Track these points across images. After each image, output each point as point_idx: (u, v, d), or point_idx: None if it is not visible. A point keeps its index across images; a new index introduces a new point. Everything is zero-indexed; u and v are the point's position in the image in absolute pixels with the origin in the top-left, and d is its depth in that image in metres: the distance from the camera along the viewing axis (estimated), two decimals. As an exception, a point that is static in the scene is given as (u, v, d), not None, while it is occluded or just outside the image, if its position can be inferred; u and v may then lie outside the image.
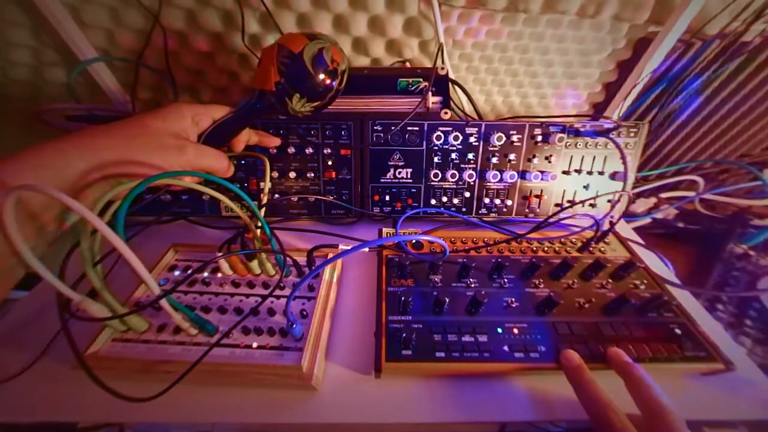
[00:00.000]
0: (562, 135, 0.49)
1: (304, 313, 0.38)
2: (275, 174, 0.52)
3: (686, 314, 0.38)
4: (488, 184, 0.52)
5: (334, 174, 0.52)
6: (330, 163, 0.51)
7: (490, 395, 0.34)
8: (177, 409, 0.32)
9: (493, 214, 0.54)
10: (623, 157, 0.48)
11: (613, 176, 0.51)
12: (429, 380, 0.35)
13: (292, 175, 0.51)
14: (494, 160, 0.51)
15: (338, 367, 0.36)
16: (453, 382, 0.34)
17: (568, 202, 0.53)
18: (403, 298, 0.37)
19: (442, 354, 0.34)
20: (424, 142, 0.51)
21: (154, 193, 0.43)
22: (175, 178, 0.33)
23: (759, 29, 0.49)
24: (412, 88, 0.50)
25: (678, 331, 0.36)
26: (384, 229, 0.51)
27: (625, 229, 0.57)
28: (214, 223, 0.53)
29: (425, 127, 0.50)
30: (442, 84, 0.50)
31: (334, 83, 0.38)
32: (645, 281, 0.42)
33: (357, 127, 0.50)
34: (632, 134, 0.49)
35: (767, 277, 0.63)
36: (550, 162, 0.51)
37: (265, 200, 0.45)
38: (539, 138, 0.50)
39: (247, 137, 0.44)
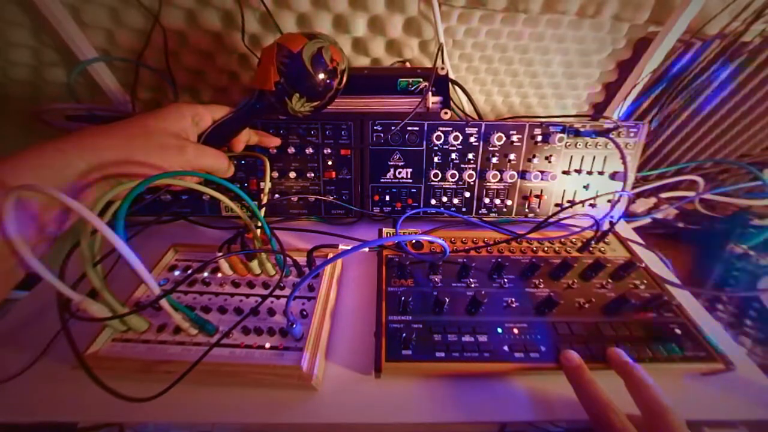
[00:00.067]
0: (562, 135, 0.49)
1: (304, 313, 0.38)
2: (275, 174, 0.52)
3: (686, 314, 0.38)
4: (488, 184, 0.52)
5: (334, 174, 0.52)
6: (330, 163, 0.51)
7: (490, 395, 0.34)
8: (177, 409, 0.32)
9: (493, 214, 0.54)
10: (623, 157, 0.48)
11: (613, 176, 0.51)
12: (429, 380, 0.35)
13: (292, 175, 0.51)
14: (494, 160, 0.51)
15: (338, 367, 0.36)
16: (453, 382, 0.34)
17: (568, 202, 0.53)
18: (403, 298, 0.37)
19: (442, 354, 0.34)
20: (424, 142, 0.51)
21: (154, 193, 0.43)
22: (175, 178, 0.33)
23: (759, 29, 0.49)
24: (412, 88, 0.50)
25: (678, 331, 0.36)
26: (384, 229, 0.51)
27: (625, 229, 0.57)
28: (214, 223, 0.53)
29: (425, 127, 0.50)
30: (442, 84, 0.50)
31: (333, 83, 0.38)
32: (645, 281, 0.42)
33: (357, 127, 0.50)
34: (632, 134, 0.49)
35: (767, 277, 0.63)
36: (550, 162, 0.51)
37: (265, 200, 0.45)
38: (539, 138, 0.50)
39: (247, 137, 0.44)
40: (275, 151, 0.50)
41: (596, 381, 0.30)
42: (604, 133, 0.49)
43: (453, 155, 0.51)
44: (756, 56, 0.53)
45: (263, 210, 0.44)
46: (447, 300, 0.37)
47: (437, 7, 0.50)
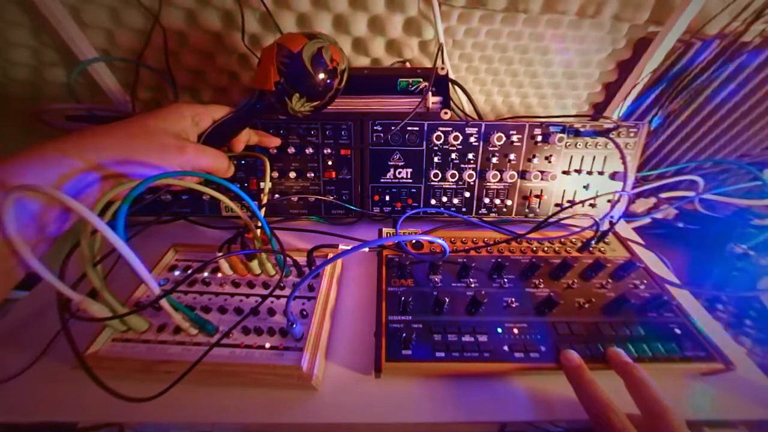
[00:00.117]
0: (562, 135, 0.49)
1: (304, 313, 0.38)
2: (275, 174, 0.52)
3: (686, 314, 0.38)
4: (488, 184, 0.52)
5: (334, 174, 0.52)
6: (330, 163, 0.51)
7: (490, 395, 0.34)
8: (177, 409, 0.32)
9: (493, 214, 0.54)
10: (623, 157, 0.48)
11: (613, 176, 0.51)
12: (429, 380, 0.35)
13: (292, 175, 0.51)
14: (494, 160, 0.51)
15: (338, 367, 0.36)
16: (453, 382, 0.34)
17: (568, 202, 0.53)
18: (403, 298, 0.37)
19: (442, 354, 0.34)
20: (424, 142, 0.51)
21: (154, 193, 0.43)
22: (176, 178, 0.33)
23: (759, 29, 0.49)
24: (412, 88, 0.50)
25: (678, 331, 0.36)
26: (384, 229, 0.51)
27: (625, 229, 0.57)
28: (214, 223, 0.53)
29: (425, 127, 0.50)
30: (442, 84, 0.50)
31: (333, 83, 0.38)
32: (645, 281, 0.42)
33: (357, 127, 0.50)
34: (632, 134, 0.49)
35: (767, 277, 0.63)
36: (550, 162, 0.51)
37: (265, 200, 0.45)
38: (539, 138, 0.50)
39: (247, 137, 0.44)
40: (275, 151, 0.50)
41: (596, 381, 0.30)
42: (604, 133, 0.49)
43: (453, 155, 0.51)
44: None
45: (263, 210, 0.44)
46: (447, 300, 0.37)
47: (437, 7, 0.50)
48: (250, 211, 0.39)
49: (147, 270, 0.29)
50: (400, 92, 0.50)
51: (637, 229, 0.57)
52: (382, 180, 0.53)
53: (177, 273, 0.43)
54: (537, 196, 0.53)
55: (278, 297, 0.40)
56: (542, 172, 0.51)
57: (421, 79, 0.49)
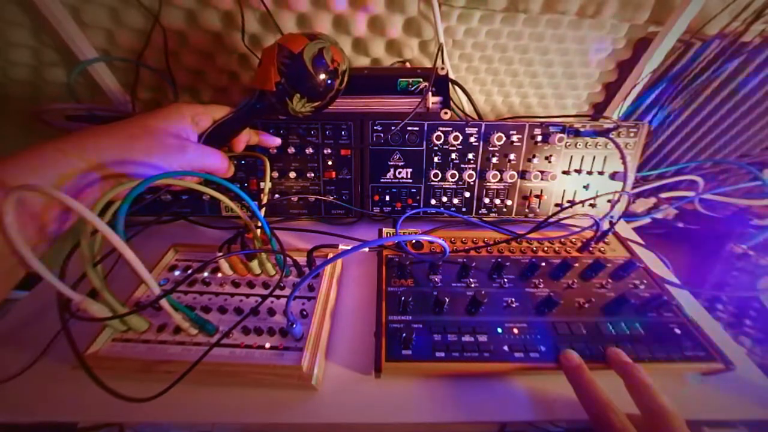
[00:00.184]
0: (562, 135, 0.49)
1: (304, 313, 0.38)
2: (275, 174, 0.52)
3: (686, 314, 0.38)
4: (488, 184, 0.52)
5: (334, 174, 0.52)
6: (330, 163, 0.51)
7: (490, 395, 0.34)
8: (177, 409, 0.32)
9: (493, 214, 0.54)
10: (623, 157, 0.48)
11: (613, 176, 0.51)
12: (429, 380, 0.35)
13: (292, 175, 0.51)
14: (494, 160, 0.51)
15: (338, 367, 0.36)
16: (453, 382, 0.34)
17: (568, 202, 0.53)
18: (403, 298, 0.37)
19: (442, 354, 0.34)
20: (424, 142, 0.51)
21: (154, 193, 0.43)
22: (176, 179, 0.33)
23: (759, 29, 0.49)
24: (412, 88, 0.50)
25: (678, 331, 0.36)
26: (384, 229, 0.51)
27: (624, 229, 0.58)
28: (214, 223, 0.53)
29: (425, 127, 0.50)
30: (442, 84, 0.50)
31: (334, 83, 0.38)
32: (645, 281, 0.42)
33: (357, 127, 0.50)
34: (632, 134, 0.49)
35: (767, 277, 0.63)
36: (550, 162, 0.51)
37: (265, 200, 0.45)
38: (539, 138, 0.50)
39: (247, 137, 0.44)
40: (275, 151, 0.50)
41: (596, 381, 0.30)
42: (604, 133, 0.49)
43: (453, 155, 0.51)
44: (756, 56, 0.53)
45: (263, 210, 0.44)
46: (447, 300, 0.37)
47: (437, 7, 0.50)
48: (250, 211, 0.39)
49: (147, 270, 0.29)
50: (400, 92, 0.50)
51: (637, 229, 0.57)
52: (382, 180, 0.53)
53: (177, 273, 0.43)
54: (537, 196, 0.53)
55: (278, 297, 0.40)
56: (542, 172, 0.51)
57: (421, 79, 0.49)
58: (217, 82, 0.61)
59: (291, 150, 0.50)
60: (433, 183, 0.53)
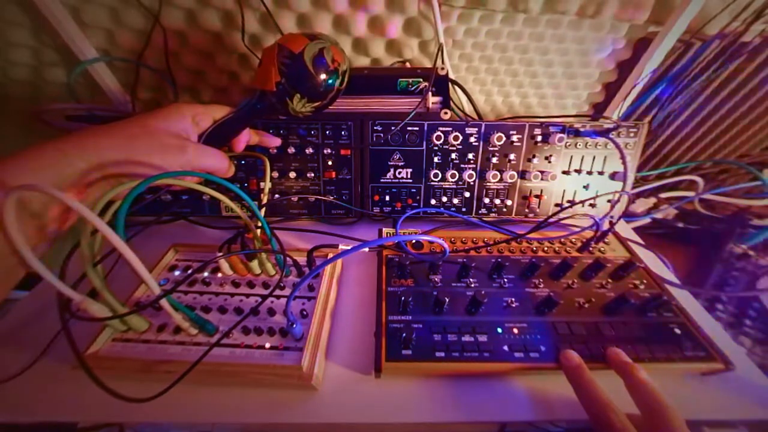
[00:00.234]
0: (562, 135, 0.49)
1: (304, 313, 0.38)
2: (275, 174, 0.52)
3: (686, 314, 0.38)
4: (488, 184, 0.52)
5: (334, 174, 0.52)
6: (330, 163, 0.51)
7: (490, 395, 0.34)
8: (177, 409, 0.32)
9: (493, 214, 0.54)
10: (623, 157, 0.48)
11: (613, 176, 0.51)
12: (429, 380, 0.35)
13: (292, 175, 0.51)
14: (494, 160, 0.51)
15: (338, 367, 0.36)
16: (453, 382, 0.34)
17: (568, 202, 0.53)
18: (403, 298, 0.37)
19: (442, 354, 0.34)
20: (424, 142, 0.51)
21: (154, 193, 0.43)
22: (176, 178, 0.33)
23: (759, 29, 0.49)
24: (412, 88, 0.50)
25: (678, 331, 0.36)
26: (384, 229, 0.51)
27: (624, 229, 0.57)
28: (214, 223, 0.53)
29: (425, 127, 0.50)
30: (442, 84, 0.50)
31: (335, 83, 0.38)
32: (645, 281, 0.42)
33: (357, 127, 0.50)
34: (632, 134, 0.49)
35: (767, 277, 0.63)
36: (549, 162, 0.51)
37: (265, 200, 0.45)
38: (539, 138, 0.50)
39: (247, 137, 0.44)
40: (275, 151, 0.50)
41: (596, 381, 0.30)
42: (604, 133, 0.49)
43: (453, 155, 0.51)
44: (756, 56, 0.53)
45: (263, 210, 0.44)
46: (447, 300, 0.37)
47: (437, 7, 0.50)
48: (250, 211, 0.39)
49: (147, 270, 0.29)
50: (400, 92, 0.50)
51: (637, 229, 0.57)
52: (382, 180, 0.53)
53: (177, 273, 0.43)
54: (537, 196, 0.53)
55: (278, 297, 0.40)
56: (542, 172, 0.51)
57: (421, 79, 0.49)
58: (217, 82, 0.61)
59: (291, 150, 0.50)
60: (433, 183, 0.53)
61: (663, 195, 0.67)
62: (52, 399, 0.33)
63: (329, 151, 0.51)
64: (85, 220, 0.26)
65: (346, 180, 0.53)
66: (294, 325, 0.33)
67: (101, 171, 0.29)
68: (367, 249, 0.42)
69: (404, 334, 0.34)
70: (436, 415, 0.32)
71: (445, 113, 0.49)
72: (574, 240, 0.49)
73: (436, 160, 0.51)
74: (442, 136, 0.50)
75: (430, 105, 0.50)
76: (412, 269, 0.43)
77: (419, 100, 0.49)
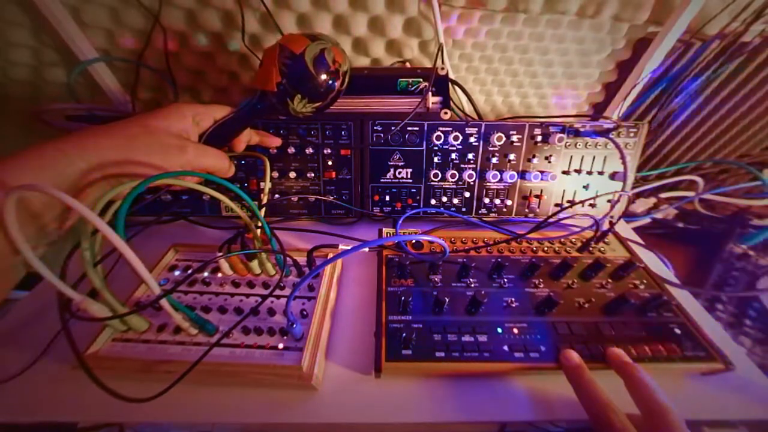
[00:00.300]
0: (561, 135, 0.49)
1: (304, 313, 0.38)
2: (275, 174, 0.52)
3: (686, 314, 0.38)
4: (488, 184, 0.52)
5: (334, 174, 0.52)
6: (330, 163, 0.51)
7: (490, 395, 0.34)
8: (177, 409, 0.32)
9: (493, 214, 0.54)
10: (623, 157, 0.48)
11: (613, 176, 0.51)
12: (429, 380, 0.35)
13: (292, 175, 0.51)
14: (494, 160, 0.51)
15: (338, 367, 0.36)
16: (453, 382, 0.34)
17: (568, 202, 0.53)
18: (403, 298, 0.37)
19: (442, 354, 0.34)
20: (424, 142, 0.51)
21: (154, 193, 0.43)
22: (176, 178, 0.33)
23: (758, 29, 0.49)
24: (412, 88, 0.50)
25: (678, 331, 0.36)
26: (384, 229, 0.51)
27: (624, 229, 0.57)
28: (214, 223, 0.53)
29: (425, 127, 0.50)
30: (442, 84, 0.50)
31: (335, 84, 0.38)
32: (645, 281, 0.42)
33: (357, 127, 0.50)
34: (632, 134, 0.49)
35: (767, 277, 0.63)
36: (549, 162, 0.51)
37: (265, 200, 0.45)
38: (539, 138, 0.50)
39: (248, 137, 0.44)
40: (275, 151, 0.50)
41: (596, 381, 0.30)
42: (604, 133, 0.49)
43: (453, 155, 0.51)
44: (756, 56, 0.53)
45: (263, 210, 0.44)
46: (447, 300, 0.37)
47: (437, 8, 0.50)
48: (250, 211, 0.39)
49: (147, 270, 0.29)
50: (400, 92, 0.50)
51: (637, 229, 0.57)
52: (382, 180, 0.53)
53: (177, 273, 0.43)
54: (537, 196, 0.53)
55: (278, 297, 0.40)
56: (542, 172, 0.51)
57: (421, 79, 0.49)
58: (218, 82, 0.61)
59: (291, 150, 0.50)
60: (433, 183, 0.53)
61: (663, 195, 0.67)
62: (52, 399, 0.33)
63: (329, 151, 0.51)
64: (86, 220, 0.26)
65: (346, 180, 0.53)
66: (294, 325, 0.33)
67: (101, 171, 0.29)
68: (367, 249, 0.42)
69: (404, 334, 0.34)
70: (436, 415, 0.32)
71: (445, 113, 0.49)
72: (574, 240, 0.49)
73: (436, 160, 0.51)
74: (442, 136, 0.50)
75: (430, 105, 0.50)
76: (412, 269, 0.43)
77: (419, 100, 0.49)
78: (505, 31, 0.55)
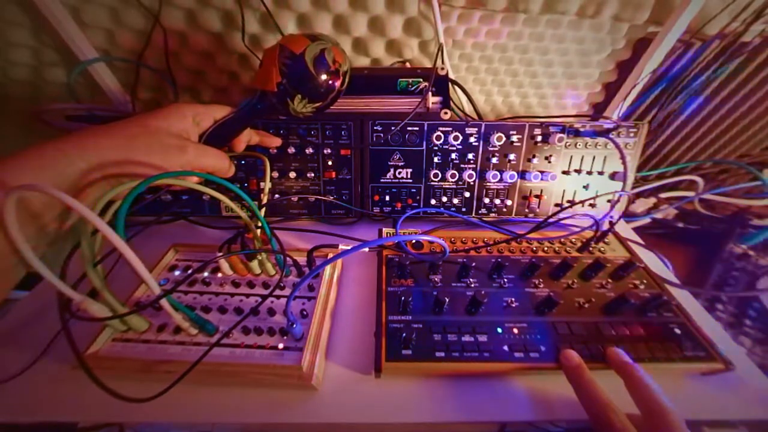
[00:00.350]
0: (561, 135, 0.49)
1: (304, 313, 0.38)
2: (275, 174, 0.52)
3: (686, 314, 0.38)
4: (488, 184, 0.52)
5: (334, 174, 0.52)
6: (330, 163, 0.51)
7: (490, 395, 0.34)
8: (177, 409, 0.32)
9: (493, 214, 0.54)
10: (623, 157, 0.48)
11: (613, 176, 0.51)
12: (429, 380, 0.35)
13: (293, 175, 0.51)
14: (494, 160, 0.51)
15: (338, 367, 0.36)
16: (453, 382, 0.34)
17: (568, 202, 0.53)
18: (403, 298, 0.37)
19: (442, 354, 0.34)
20: (424, 142, 0.51)
21: (154, 193, 0.43)
22: (176, 178, 0.33)
23: (758, 29, 0.49)
24: (412, 88, 0.50)
25: (678, 331, 0.36)
26: (384, 229, 0.51)
27: (624, 229, 0.57)
28: (214, 223, 0.53)
29: (425, 127, 0.50)
30: (442, 84, 0.50)
31: (335, 84, 0.38)
32: (645, 281, 0.42)
33: (357, 127, 0.50)
34: (632, 134, 0.49)
35: (767, 277, 0.63)
36: (549, 162, 0.51)
37: (265, 200, 0.45)
38: (539, 138, 0.50)
39: (248, 137, 0.44)
40: (275, 151, 0.50)
41: (596, 381, 0.30)
42: (604, 133, 0.49)
43: (453, 155, 0.51)
44: (756, 56, 0.53)
45: (263, 210, 0.44)
46: (447, 300, 0.37)
47: (437, 8, 0.50)
48: (250, 211, 0.39)
49: (147, 270, 0.29)
50: (400, 92, 0.50)
51: (636, 229, 0.57)
52: (382, 180, 0.53)
53: (177, 273, 0.43)
54: (537, 196, 0.53)
55: (278, 297, 0.40)
56: (542, 172, 0.51)
57: (421, 79, 0.49)
58: (218, 82, 0.61)
59: (291, 150, 0.50)
60: (433, 183, 0.53)
61: (663, 195, 0.67)
62: (52, 399, 0.33)
63: (329, 151, 0.51)
64: (86, 220, 0.26)
65: (346, 180, 0.53)
66: (294, 325, 0.33)
67: (101, 171, 0.29)
68: (367, 249, 0.42)
69: (404, 334, 0.34)
70: (436, 415, 0.32)
71: (445, 113, 0.49)
72: (574, 240, 0.49)
73: (436, 160, 0.51)
74: (442, 136, 0.50)
75: (430, 105, 0.50)
76: (412, 269, 0.43)
77: (419, 100, 0.49)
78: (505, 31, 0.55)
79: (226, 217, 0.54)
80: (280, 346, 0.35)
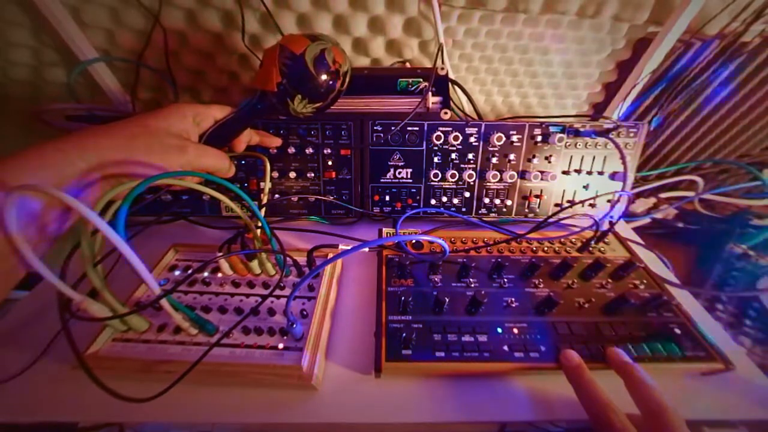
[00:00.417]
0: (561, 135, 0.49)
1: (304, 313, 0.38)
2: (275, 174, 0.52)
3: (686, 314, 0.38)
4: (488, 184, 0.52)
5: (334, 174, 0.52)
6: (330, 163, 0.51)
7: (490, 395, 0.34)
8: (177, 409, 0.32)
9: (493, 214, 0.54)
10: (623, 157, 0.48)
11: (613, 176, 0.51)
12: (429, 380, 0.35)
13: (293, 175, 0.51)
14: (494, 160, 0.51)
15: (338, 367, 0.36)
16: (453, 382, 0.34)
17: (568, 202, 0.53)
18: (403, 298, 0.37)
19: (442, 354, 0.34)
20: (424, 142, 0.51)
21: (154, 193, 0.43)
22: (176, 178, 0.33)
23: (758, 29, 0.49)
24: (412, 88, 0.50)
25: (678, 331, 0.36)
26: (384, 229, 0.51)
27: (624, 229, 0.57)
28: (214, 223, 0.53)
29: (425, 127, 0.50)
30: (442, 84, 0.50)
31: (335, 84, 0.38)
32: (645, 281, 0.42)
33: (357, 127, 0.50)
34: (632, 134, 0.49)
35: (767, 277, 0.63)
36: (549, 162, 0.51)
37: (265, 200, 0.45)
38: (539, 138, 0.50)
39: (248, 137, 0.44)
40: (275, 151, 0.50)
41: (596, 381, 0.30)
42: (604, 133, 0.49)
43: (453, 155, 0.51)
44: (756, 56, 0.53)
45: (263, 210, 0.44)
46: (447, 300, 0.37)
47: (437, 8, 0.50)
48: (250, 211, 0.39)
49: (147, 270, 0.29)
50: (400, 92, 0.50)
51: (637, 229, 0.57)
52: (382, 180, 0.53)
53: (177, 273, 0.43)
54: (537, 196, 0.53)
55: (278, 297, 0.40)
56: (542, 172, 0.51)
57: (421, 79, 0.49)
58: (218, 82, 0.61)
59: (291, 150, 0.50)
60: (433, 183, 0.53)
61: (663, 195, 0.67)
62: (52, 399, 0.33)
63: (329, 151, 0.51)
64: (86, 220, 0.26)
65: (346, 180, 0.53)
66: (294, 325, 0.33)
67: (102, 171, 0.29)
68: (367, 249, 0.42)
69: (404, 334, 0.34)
70: (436, 415, 0.32)
71: (445, 113, 0.49)
72: (574, 240, 0.49)
73: (436, 160, 0.51)
74: (442, 136, 0.50)
75: (430, 105, 0.50)
76: (412, 269, 0.43)
77: (419, 100, 0.49)
78: (505, 31, 0.55)
79: (226, 217, 0.54)
80: (280, 346, 0.35)
